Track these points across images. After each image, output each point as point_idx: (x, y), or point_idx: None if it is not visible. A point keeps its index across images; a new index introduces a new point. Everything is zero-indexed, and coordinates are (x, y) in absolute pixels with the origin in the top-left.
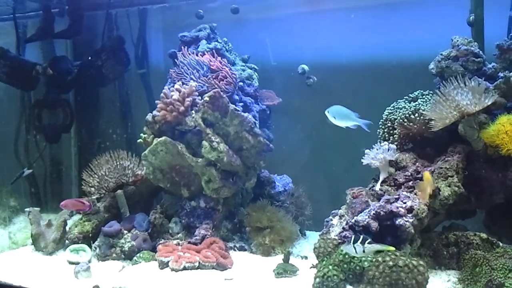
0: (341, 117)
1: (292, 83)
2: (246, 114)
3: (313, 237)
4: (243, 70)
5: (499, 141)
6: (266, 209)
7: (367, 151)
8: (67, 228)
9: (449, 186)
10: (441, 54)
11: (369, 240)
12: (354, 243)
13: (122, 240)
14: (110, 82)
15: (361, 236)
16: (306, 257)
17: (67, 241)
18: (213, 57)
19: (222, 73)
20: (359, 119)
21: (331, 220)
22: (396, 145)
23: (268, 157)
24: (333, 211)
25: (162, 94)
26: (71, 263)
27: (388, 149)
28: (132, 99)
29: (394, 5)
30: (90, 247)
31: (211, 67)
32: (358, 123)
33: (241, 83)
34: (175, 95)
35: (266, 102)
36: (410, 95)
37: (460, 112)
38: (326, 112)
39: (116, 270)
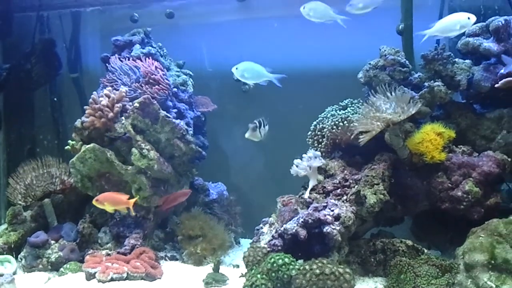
0: (251, 74)
1: (227, 89)
2: (177, 121)
3: (248, 245)
4: (178, 76)
5: (424, 149)
6: (199, 217)
7: (295, 161)
8: None
9: (374, 194)
10: (369, 64)
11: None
12: (259, 128)
13: (49, 251)
14: (40, 86)
15: (262, 120)
16: (238, 266)
17: None
18: (147, 62)
19: (155, 78)
20: (270, 74)
21: (262, 228)
22: (325, 153)
23: (204, 164)
24: (263, 219)
25: (90, 100)
26: None
27: (313, 157)
28: (64, 104)
29: None
30: (16, 258)
31: (144, 72)
32: (269, 78)
33: (175, 89)
34: (104, 101)
35: (201, 108)
36: (340, 103)
37: (385, 122)
38: (234, 69)
39: (42, 282)
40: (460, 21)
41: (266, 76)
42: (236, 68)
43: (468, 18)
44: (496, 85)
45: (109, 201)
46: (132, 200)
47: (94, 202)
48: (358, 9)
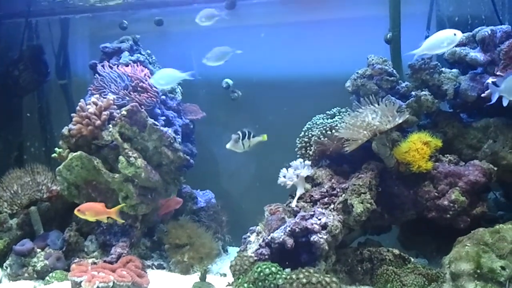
0: (166, 79)
1: (216, 97)
2: (165, 129)
3: (235, 253)
4: None
5: (410, 158)
6: (186, 226)
7: (281, 171)
8: None
9: (361, 203)
10: (357, 72)
11: (252, 134)
12: (242, 139)
13: (35, 259)
14: (28, 92)
15: (246, 131)
16: (225, 275)
17: None
18: (136, 69)
19: (142, 86)
20: (183, 73)
21: (249, 237)
22: (312, 161)
23: (192, 171)
24: (251, 228)
25: (78, 107)
26: None
27: (301, 166)
28: (52, 111)
29: (318, 22)
30: (1, 266)
31: (133, 79)
32: (183, 77)
33: (163, 97)
34: (92, 109)
35: (189, 116)
36: (328, 112)
37: (372, 131)
38: (151, 81)
39: None
40: (447, 38)
41: (179, 77)
42: (153, 80)
43: (454, 35)
44: (483, 95)
45: (91, 211)
46: (113, 209)
47: (76, 212)
48: (214, 62)
